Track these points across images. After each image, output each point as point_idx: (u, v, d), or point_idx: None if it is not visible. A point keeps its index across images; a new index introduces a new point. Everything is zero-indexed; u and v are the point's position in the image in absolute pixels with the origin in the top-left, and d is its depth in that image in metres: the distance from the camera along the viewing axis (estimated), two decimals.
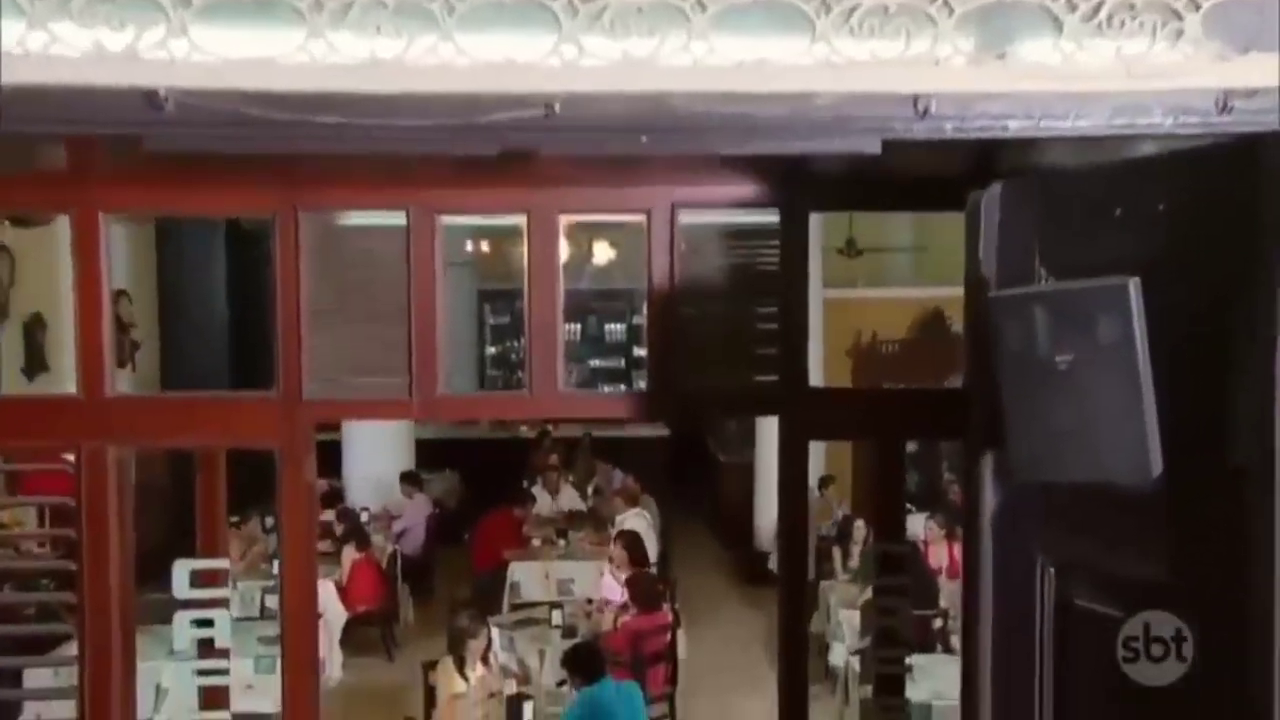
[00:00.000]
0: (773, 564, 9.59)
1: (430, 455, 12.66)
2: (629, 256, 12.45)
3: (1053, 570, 2.43)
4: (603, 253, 10.84)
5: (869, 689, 3.74)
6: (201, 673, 3.62)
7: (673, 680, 6.92)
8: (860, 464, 10.73)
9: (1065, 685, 2.36)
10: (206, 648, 3.62)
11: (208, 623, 3.57)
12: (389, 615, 8.84)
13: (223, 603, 3.62)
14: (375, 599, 8.63)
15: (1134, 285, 1.95)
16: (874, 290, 11.02)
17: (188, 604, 3.55)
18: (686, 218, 3.56)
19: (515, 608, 8.05)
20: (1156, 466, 1.96)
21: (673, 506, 11.98)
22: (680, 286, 3.61)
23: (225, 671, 3.65)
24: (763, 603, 9.43)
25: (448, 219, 3.64)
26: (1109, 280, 1.99)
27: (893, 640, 3.69)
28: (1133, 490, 2.03)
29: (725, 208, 3.59)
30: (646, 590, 6.84)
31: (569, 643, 6.24)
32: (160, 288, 8.45)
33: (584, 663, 5.49)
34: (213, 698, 3.69)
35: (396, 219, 3.57)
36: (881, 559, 3.71)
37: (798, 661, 3.70)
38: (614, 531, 8.66)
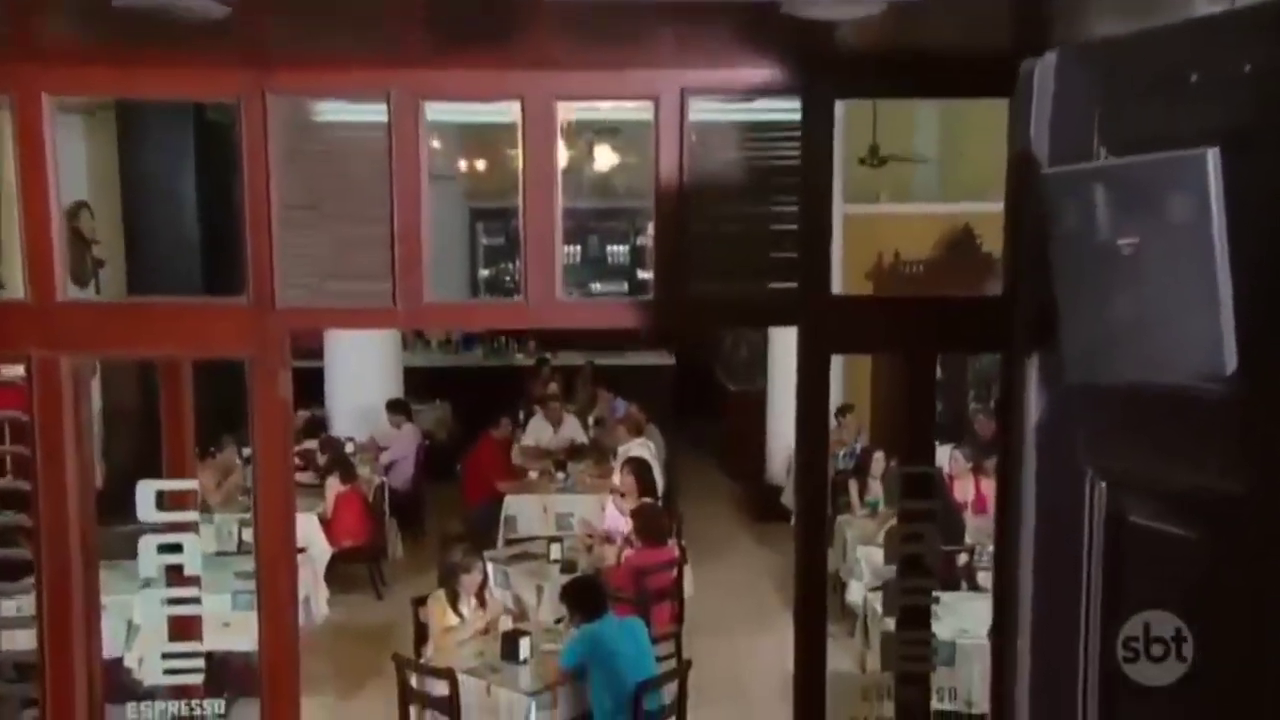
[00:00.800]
0: (785, 498, 9.63)
1: (420, 385, 12.59)
2: (633, 170, 12.25)
3: (1104, 485, 2.33)
4: (605, 157, 10.61)
5: (891, 623, 3.68)
6: (171, 602, 3.55)
7: (679, 618, 6.92)
8: (880, 392, 10.68)
9: (1116, 611, 2.27)
10: (176, 575, 3.56)
11: (176, 548, 3.50)
12: (376, 551, 8.83)
13: (191, 526, 3.55)
14: (361, 534, 8.62)
15: (1212, 156, 1.82)
16: (897, 206, 10.83)
17: (154, 528, 3.48)
18: (697, 114, 3.42)
19: (511, 543, 8.05)
20: (1231, 363, 1.84)
21: (679, 438, 11.95)
22: (690, 183, 3.49)
23: (196, 600, 3.60)
24: (773, 539, 9.52)
25: (435, 114, 3.50)
26: (1183, 152, 1.86)
27: (919, 570, 3.62)
28: (1203, 392, 1.92)
29: (741, 94, 3.44)
30: (652, 522, 6.82)
31: (568, 578, 6.23)
32: (125, 200, 8.26)
33: (584, 597, 5.47)
34: (183, 629, 3.64)
35: (378, 113, 3.42)
36: (907, 482, 3.63)
37: (816, 595, 3.65)
38: (616, 463, 8.60)
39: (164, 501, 3.52)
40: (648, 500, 7.30)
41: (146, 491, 3.47)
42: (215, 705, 3.65)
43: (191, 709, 3.60)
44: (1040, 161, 2.26)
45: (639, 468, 7.55)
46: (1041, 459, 2.51)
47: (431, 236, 3.60)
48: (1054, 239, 2.11)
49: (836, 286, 3.64)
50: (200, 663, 3.62)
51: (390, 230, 3.44)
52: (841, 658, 6.14)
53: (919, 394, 3.69)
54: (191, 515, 3.56)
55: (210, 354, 3.50)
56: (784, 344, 10.15)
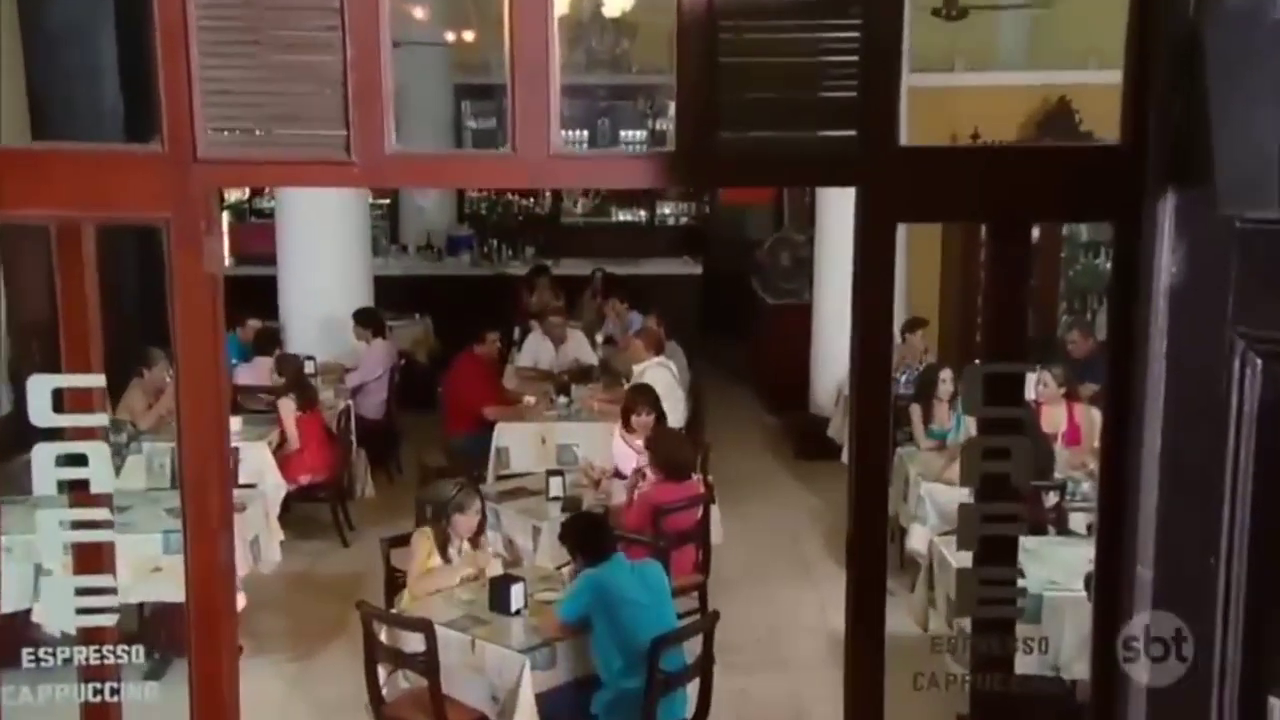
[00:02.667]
0: (833, 431, 9.59)
1: (396, 297, 12.61)
2: (652, 38, 11.96)
3: (1259, 360, 2.13)
4: (616, 2, 10.30)
5: (967, 559, 3.51)
6: (75, 525, 3.41)
7: (704, 567, 6.83)
8: (950, 295, 10.49)
9: (1272, 522, 2.09)
10: (81, 494, 3.42)
11: (80, 460, 3.35)
12: (341, 489, 8.77)
13: (99, 433, 3.40)
14: (323, 468, 8.54)
15: None
16: (977, 75, 10.56)
17: (51, 434, 3.33)
18: None
19: (502, 479, 7.99)
20: None
21: (707, 361, 12.05)
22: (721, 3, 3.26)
23: (107, 525, 3.45)
24: (817, 479, 9.64)
25: None
26: None
27: (1003, 492, 3.44)
28: None
29: None
30: (673, 452, 6.68)
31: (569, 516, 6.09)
32: (24, 28, 7.92)
33: (588, 536, 5.37)
34: (91, 561, 3.50)
35: None
36: (991, 384, 3.44)
37: (873, 538, 3.52)
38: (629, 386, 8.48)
39: (63, 402, 3.35)
40: (666, 425, 7.18)
41: (40, 389, 3.30)
42: (135, 652, 3.50)
43: (103, 656, 3.45)
44: None
45: (655, 400, 7.39)
46: (1175, 332, 2.31)
47: (400, 86, 3.39)
48: (1211, 25, 1.88)
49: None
50: (113, 600, 3.48)
51: (343, 58, 3.22)
52: (900, 618, 6.03)
53: (1009, 274, 3.48)
54: (98, 418, 3.40)
55: (117, 216, 3.34)
56: (835, 245, 10.07)
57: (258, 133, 3.34)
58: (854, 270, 3.54)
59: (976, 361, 3.53)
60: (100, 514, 3.44)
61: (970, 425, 5.56)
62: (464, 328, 9.76)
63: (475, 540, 5.83)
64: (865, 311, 3.53)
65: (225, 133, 3.28)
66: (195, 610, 3.58)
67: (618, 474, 7.25)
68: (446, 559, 5.75)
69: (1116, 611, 2.75)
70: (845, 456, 5.65)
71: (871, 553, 3.55)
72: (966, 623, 3.62)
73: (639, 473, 6.67)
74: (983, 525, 3.48)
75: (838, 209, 9.70)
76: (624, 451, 7.31)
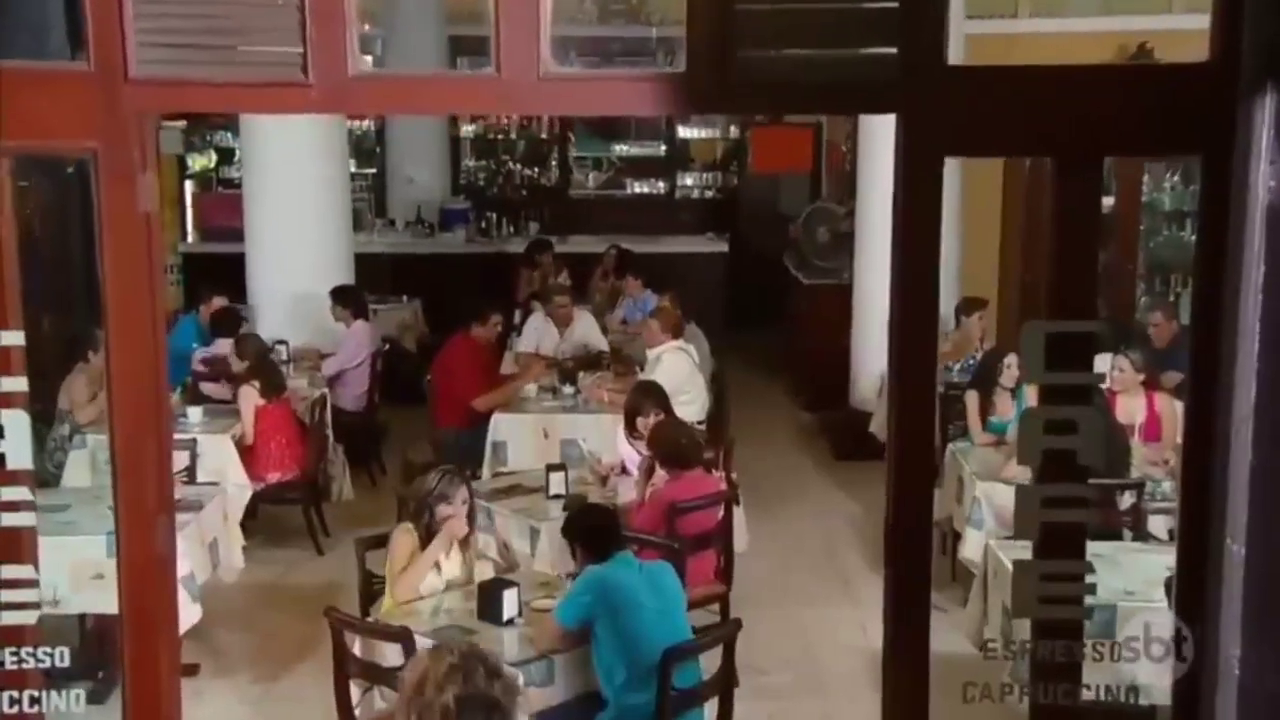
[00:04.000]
0: (875, 426, 9.48)
1: (380, 277, 12.67)
2: None
3: None
4: None
5: (1026, 552, 3.42)
6: None
7: (726, 576, 6.75)
8: (1010, 265, 10.38)
9: None
10: None
11: None
12: (315, 490, 8.70)
13: (17, 399, 3.35)
14: (293, 465, 8.45)
15: None
16: (1044, 21, 10.45)
17: None
18: None
19: (497, 476, 7.90)
20: None
21: (734, 351, 12.00)
22: None
23: (28, 506, 3.40)
24: (857, 482, 9.52)
25: None
26: None
27: (1069, 470, 3.34)
28: None
29: None
30: (669, 439, 6.59)
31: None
32: None
33: (591, 529, 5.28)
34: (9, 548, 3.44)
35: None
36: (1056, 346, 3.34)
37: (915, 549, 3.53)
38: (644, 376, 8.43)
39: None
40: (670, 415, 7.11)
41: None
42: (59, 654, 3.43)
43: (20, 659, 3.38)
44: None
45: (663, 399, 7.28)
46: (1275, 257, 2.20)
47: (387, 36, 3.31)
48: None
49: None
50: (34, 594, 3.45)
51: None
52: (950, 636, 5.98)
53: (1077, 216, 3.40)
54: (16, 382, 3.37)
55: (34, 145, 3.30)
56: (879, 217, 9.89)
57: (200, 49, 3.27)
58: (894, 217, 3.46)
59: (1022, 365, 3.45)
60: (18, 493, 3.43)
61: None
62: (458, 312, 9.72)
63: (464, 541, 5.75)
64: (906, 262, 3.47)
65: (162, 49, 3.23)
66: (129, 608, 3.54)
67: (625, 470, 7.19)
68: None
69: (1199, 618, 2.67)
70: None
71: (913, 547, 3.50)
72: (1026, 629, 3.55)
73: (650, 467, 6.58)
74: (1044, 511, 3.40)
75: (882, 176, 9.55)
76: (634, 458, 7.20)
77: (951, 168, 3.34)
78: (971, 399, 7.96)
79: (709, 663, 5.33)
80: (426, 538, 5.67)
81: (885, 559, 3.57)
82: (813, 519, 9.20)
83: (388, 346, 10.51)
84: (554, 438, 8.39)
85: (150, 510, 3.43)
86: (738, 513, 7.09)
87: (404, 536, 5.67)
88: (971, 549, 7.10)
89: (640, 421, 7.12)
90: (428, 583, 5.64)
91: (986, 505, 7.16)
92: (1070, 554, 3.43)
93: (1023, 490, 3.43)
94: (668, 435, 6.66)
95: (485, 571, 5.78)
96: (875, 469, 8.08)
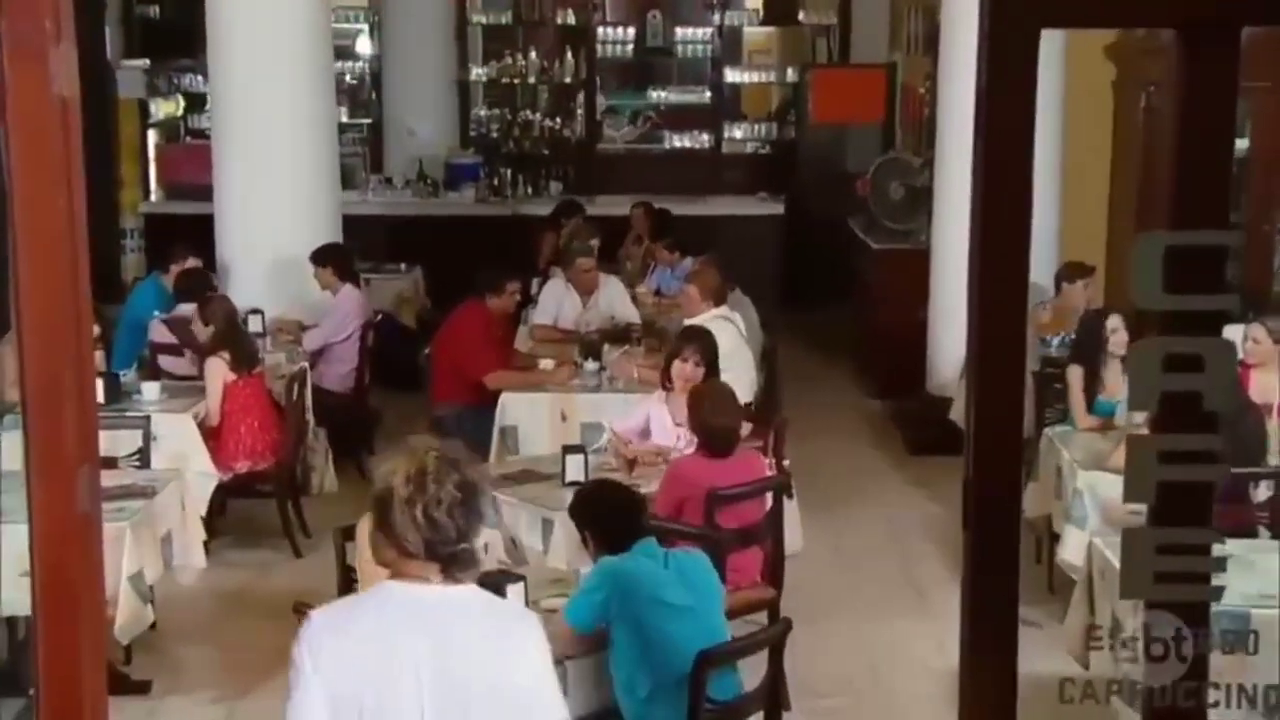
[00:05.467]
0: (956, 413, 9.44)
1: (375, 242, 12.75)
2: None
3: None
4: None
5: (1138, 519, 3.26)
6: None
7: (774, 578, 6.68)
8: (1121, 235, 10.21)
9: None
10: None
11: None
12: (292, 481, 8.69)
13: None
14: (267, 452, 8.40)
15: None
16: None
17: None
18: None
19: (507, 462, 7.92)
20: None
21: (791, 329, 12.07)
22: None
23: None
24: (934, 478, 9.64)
25: None
26: None
27: (1192, 419, 3.17)
28: None
29: None
30: (709, 411, 6.49)
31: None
32: None
33: (605, 511, 5.28)
34: None
35: None
36: (1177, 260, 3.16)
37: (999, 553, 3.36)
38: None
39: None
40: (713, 378, 7.09)
41: None
42: None
43: None
44: None
45: (709, 347, 7.29)
46: None
47: None
48: None
49: None
50: None
51: None
52: (1045, 654, 5.83)
53: (1206, 101, 3.21)
54: None
55: None
56: (961, 169, 9.74)
57: None
58: (975, 119, 3.30)
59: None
60: None
61: None
62: (465, 282, 9.67)
63: None
64: (989, 172, 3.29)
65: None
66: (43, 582, 3.38)
67: (659, 455, 7.13)
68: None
69: None
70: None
71: (996, 569, 3.36)
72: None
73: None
74: (1161, 468, 3.22)
75: (966, 121, 9.43)
76: (664, 422, 7.22)
77: (1048, 101, 3.19)
78: (1074, 374, 7.91)
79: (752, 675, 5.29)
80: None
81: (964, 572, 3.45)
82: (882, 520, 9.27)
83: (380, 317, 10.53)
84: (573, 421, 8.40)
85: (69, 459, 3.22)
86: (790, 507, 7.06)
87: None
88: (1071, 550, 7.07)
89: (677, 368, 7.09)
90: None
91: (1090, 499, 7.13)
92: (1193, 519, 3.25)
93: (1135, 442, 3.26)
94: (708, 405, 6.57)
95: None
96: (956, 465, 8.17)
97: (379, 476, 3.25)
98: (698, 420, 6.52)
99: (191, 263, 9.91)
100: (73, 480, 3.32)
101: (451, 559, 3.20)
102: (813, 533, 7.81)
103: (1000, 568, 3.38)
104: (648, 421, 7.37)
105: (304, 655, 3.20)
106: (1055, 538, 7.42)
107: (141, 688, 6.66)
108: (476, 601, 3.36)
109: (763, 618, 6.57)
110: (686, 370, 7.16)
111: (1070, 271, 9.52)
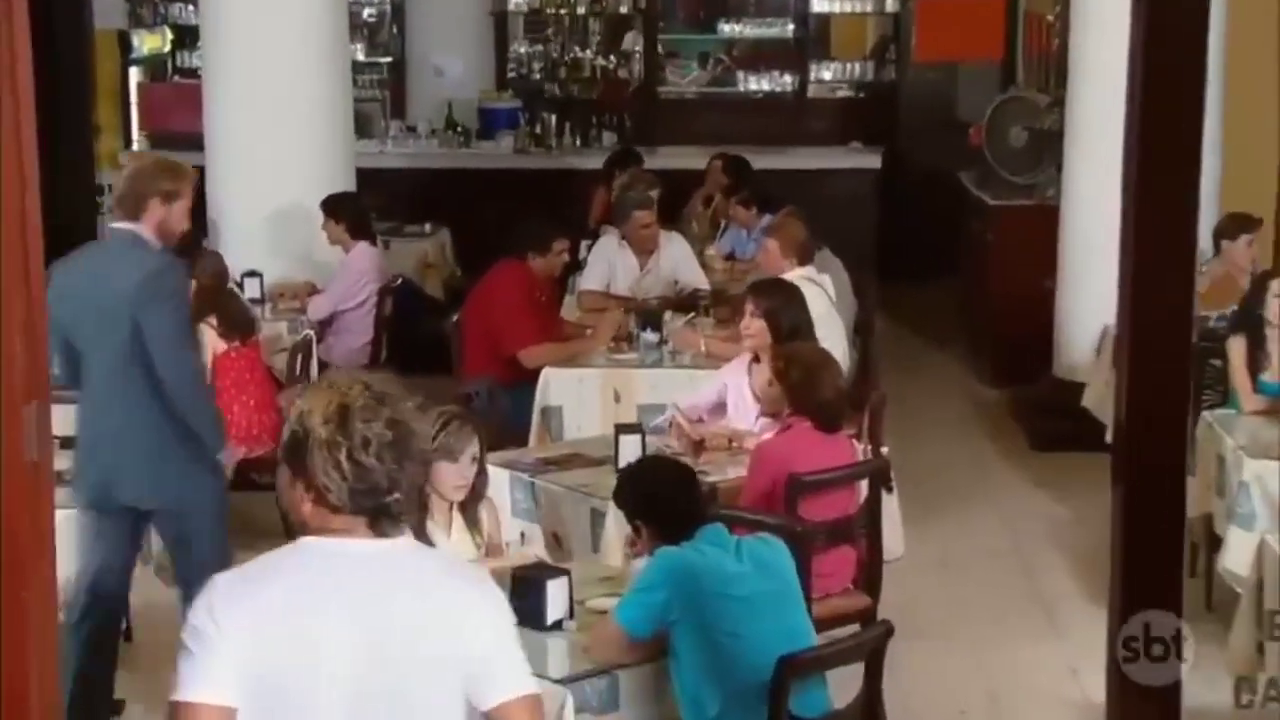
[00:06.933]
0: (1090, 400, 9.57)
1: (397, 200, 12.82)
2: None
3: None
4: None
5: None
6: None
7: (869, 585, 6.69)
8: None
9: None
10: None
11: None
12: None
13: None
14: (265, 435, 8.37)
15: None
16: None
17: None
18: None
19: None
20: None
21: (890, 304, 12.15)
22: None
23: None
24: (1063, 478, 9.75)
25: None
26: None
27: None
28: None
29: None
30: (810, 377, 6.50)
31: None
32: None
33: (657, 492, 5.30)
34: None
35: None
36: None
37: (1156, 563, 3.69)
38: None
39: None
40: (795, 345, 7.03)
41: None
42: None
43: None
44: None
45: (793, 300, 7.37)
46: None
47: None
48: None
49: None
50: None
51: None
52: (1206, 681, 5.95)
53: None
54: None
55: None
56: (1096, 111, 10.04)
57: None
58: (1132, 49, 3.25)
59: None
60: None
61: None
62: (501, 244, 9.68)
63: (464, 507, 5.72)
64: (1150, 114, 3.24)
65: None
66: None
67: (733, 440, 7.14)
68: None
69: None
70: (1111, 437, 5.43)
71: (1151, 582, 3.33)
72: None
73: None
74: None
75: (1103, 51, 9.47)
76: (744, 398, 7.21)
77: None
78: (1236, 348, 7.91)
79: (842, 692, 5.30)
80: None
81: (1111, 587, 3.39)
82: (999, 525, 9.33)
83: (400, 283, 10.56)
84: (628, 402, 8.40)
85: (15, 393, 3.28)
86: (889, 504, 7.07)
87: None
88: (1235, 558, 7.06)
89: (744, 322, 7.31)
90: None
91: (1259, 494, 7.12)
92: None
93: None
94: (809, 368, 6.56)
95: (513, 556, 5.85)
96: (1089, 462, 8.29)
97: (293, 416, 3.19)
98: (793, 381, 6.51)
99: None
100: (18, 422, 3.33)
101: (381, 510, 3.15)
102: (916, 538, 7.77)
103: (1159, 582, 3.37)
104: (722, 395, 7.37)
105: (205, 620, 3.09)
106: (1213, 544, 7.42)
107: (115, 708, 6.63)
108: (412, 557, 3.30)
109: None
110: (754, 325, 7.19)
111: (1232, 225, 9.53)
